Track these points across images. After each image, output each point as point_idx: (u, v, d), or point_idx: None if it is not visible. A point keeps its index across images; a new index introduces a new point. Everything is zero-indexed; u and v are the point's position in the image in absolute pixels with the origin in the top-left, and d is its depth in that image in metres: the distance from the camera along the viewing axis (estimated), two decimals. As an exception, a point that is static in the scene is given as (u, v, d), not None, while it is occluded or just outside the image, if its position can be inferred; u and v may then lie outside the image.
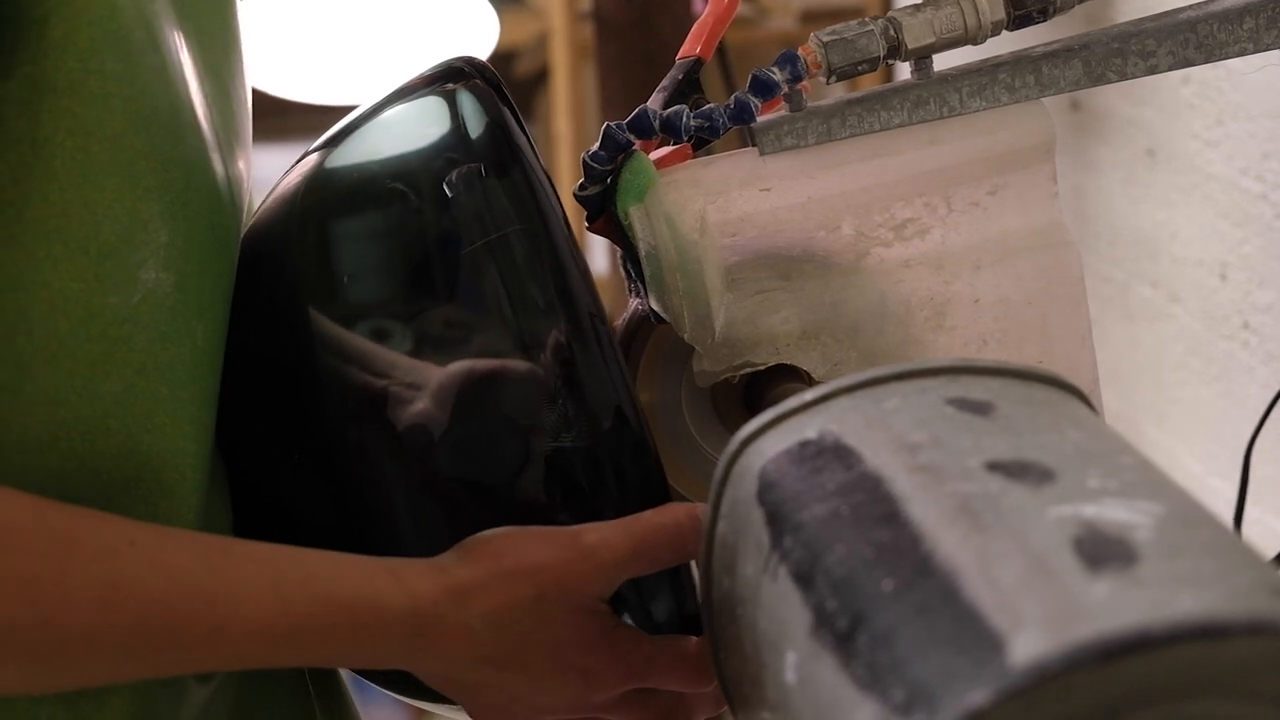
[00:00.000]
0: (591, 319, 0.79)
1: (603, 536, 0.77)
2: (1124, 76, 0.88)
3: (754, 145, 0.86)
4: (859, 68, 0.85)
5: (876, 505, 0.62)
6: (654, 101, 0.89)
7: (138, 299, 0.76)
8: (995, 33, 0.87)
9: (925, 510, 0.61)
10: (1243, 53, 0.87)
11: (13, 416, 0.75)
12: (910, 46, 0.85)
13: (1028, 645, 0.53)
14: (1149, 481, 0.62)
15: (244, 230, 0.84)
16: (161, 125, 0.76)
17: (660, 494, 0.81)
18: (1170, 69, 0.88)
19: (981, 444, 0.64)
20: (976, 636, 0.54)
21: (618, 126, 0.84)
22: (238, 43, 0.85)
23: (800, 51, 0.85)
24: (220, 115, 0.81)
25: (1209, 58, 0.87)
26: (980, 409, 0.67)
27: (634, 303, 0.90)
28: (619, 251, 0.88)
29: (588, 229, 0.88)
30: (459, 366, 0.79)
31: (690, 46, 0.92)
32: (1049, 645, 0.52)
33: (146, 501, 0.77)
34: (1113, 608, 0.53)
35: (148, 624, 0.72)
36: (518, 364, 0.79)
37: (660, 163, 0.86)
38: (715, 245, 0.84)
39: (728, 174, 0.85)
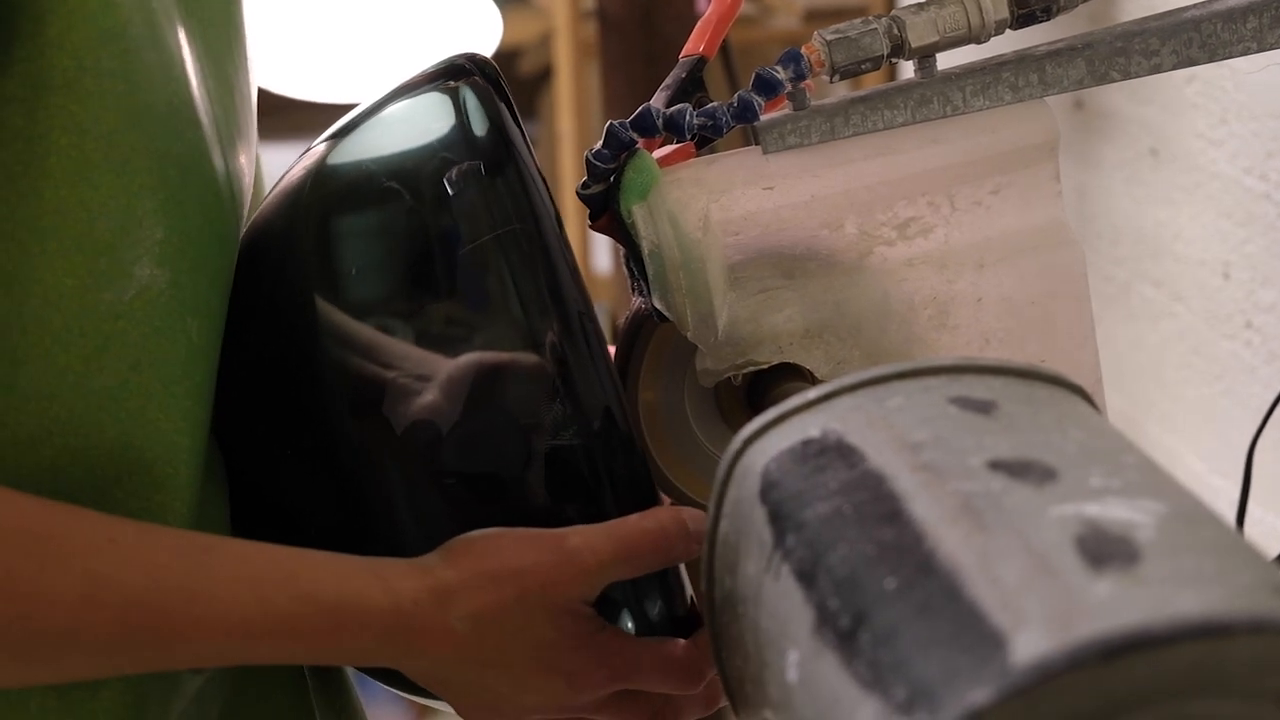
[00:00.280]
0: (581, 318, 0.80)
1: (586, 540, 0.78)
2: (1127, 76, 0.88)
3: (757, 144, 0.86)
4: (862, 66, 0.85)
5: (879, 504, 0.62)
6: (657, 100, 0.89)
7: (131, 295, 0.76)
8: (999, 32, 0.87)
9: (927, 509, 0.61)
10: (1246, 52, 0.87)
11: (6, 411, 0.75)
12: (914, 45, 0.85)
13: (1029, 644, 0.53)
14: (1151, 480, 0.62)
15: (247, 224, 0.84)
16: (158, 121, 0.76)
17: (648, 496, 0.81)
18: (1174, 68, 0.88)
19: (984, 443, 0.64)
20: (978, 635, 0.54)
21: (621, 125, 0.84)
22: (241, 37, 0.85)
23: (804, 50, 0.85)
24: (222, 110, 0.81)
25: (1212, 57, 0.87)
26: (983, 408, 0.67)
27: (637, 301, 0.90)
28: (622, 250, 0.88)
29: (591, 227, 0.88)
30: (469, 359, 0.80)
31: (694, 45, 0.92)
32: (1051, 644, 0.52)
33: (139, 496, 0.77)
34: (1115, 607, 0.53)
35: (127, 621, 0.72)
36: (526, 357, 0.79)
37: (663, 161, 0.86)
38: (718, 244, 0.84)
39: (731, 172, 0.85)
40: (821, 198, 0.86)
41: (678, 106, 0.85)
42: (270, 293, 0.83)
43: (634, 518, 0.79)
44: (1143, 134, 1.58)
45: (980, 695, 0.52)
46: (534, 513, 0.79)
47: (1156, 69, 0.88)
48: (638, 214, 0.85)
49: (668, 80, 0.90)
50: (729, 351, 0.86)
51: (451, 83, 0.83)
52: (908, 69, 0.89)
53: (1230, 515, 0.85)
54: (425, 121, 0.83)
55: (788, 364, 0.87)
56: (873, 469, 0.64)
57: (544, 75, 3.29)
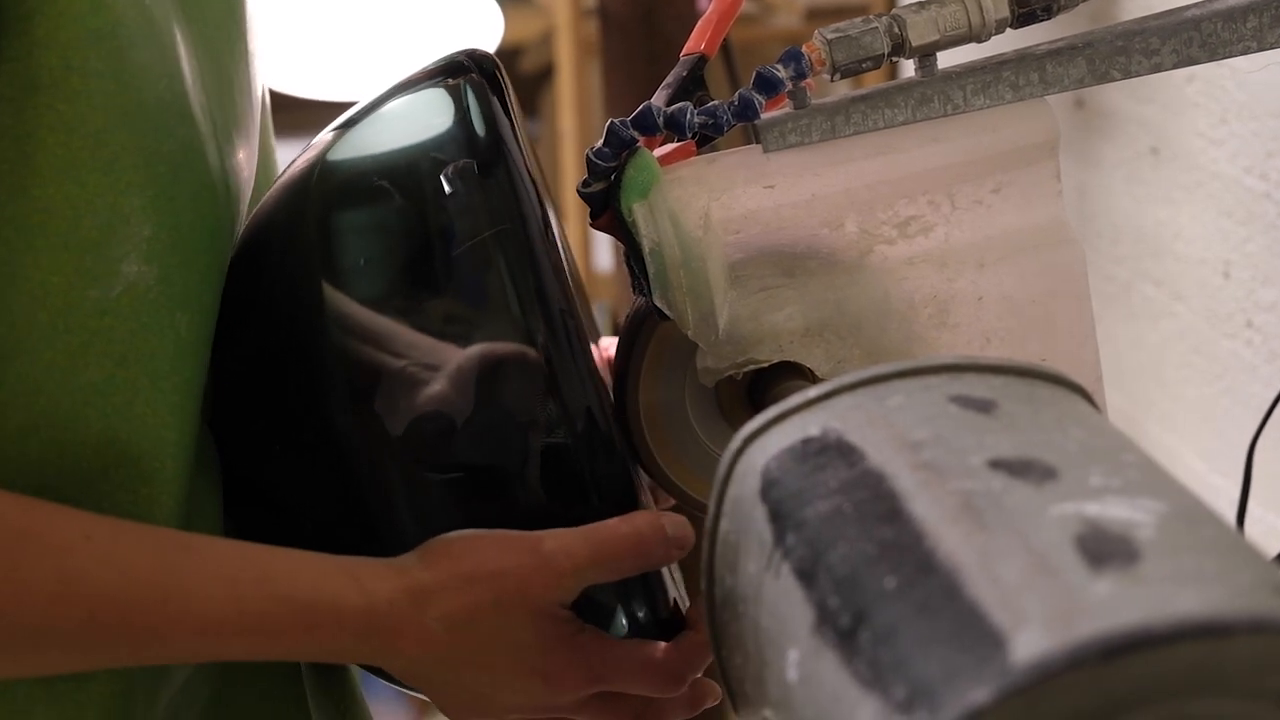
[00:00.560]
0: (563, 317, 0.80)
1: (562, 544, 0.78)
2: (1128, 75, 0.88)
3: (758, 142, 0.86)
4: (863, 65, 0.85)
5: (879, 503, 0.62)
6: (658, 98, 0.89)
7: (118, 291, 0.76)
8: (999, 30, 0.87)
9: (928, 508, 0.61)
10: (1247, 51, 0.87)
11: None
12: (914, 44, 0.85)
13: (1029, 643, 0.53)
14: (1151, 480, 0.62)
15: (249, 217, 0.85)
16: (149, 119, 0.76)
17: (629, 499, 0.81)
18: (1174, 67, 0.88)
19: (984, 442, 0.64)
20: (978, 634, 0.54)
21: (622, 123, 0.84)
22: (244, 32, 0.85)
23: (805, 49, 0.85)
24: (219, 106, 0.81)
25: (1213, 56, 0.87)
26: (983, 406, 0.67)
27: (637, 300, 0.90)
28: (623, 248, 0.88)
29: (592, 225, 0.88)
30: (476, 349, 0.80)
31: (695, 43, 0.92)
32: (1051, 643, 0.52)
33: (126, 489, 0.78)
34: (1115, 606, 0.53)
35: (99, 618, 0.73)
36: (526, 352, 0.79)
37: (664, 160, 0.86)
38: (719, 242, 0.84)
39: (732, 171, 0.85)
40: (822, 196, 0.86)
41: (679, 105, 0.85)
42: (271, 284, 0.83)
43: (612, 522, 0.79)
44: (1143, 133, 1.58)
45: (980, 694, 0.52)
46: (529, 510, 0.80)
47: (1157, 68, 0.88)
48: (638, 212, 0.85)
49: (669, 79, 0.90)
50: (729, 350, 0.86)
51: (449, 80, 0.83)
52: (908, 68, 0.89)
53: (1230, 514, 0.85)
54: (419, 119, 0.83)
55: (788, 362, 0.87)
56: (873, 468, 0.64)
57: (545, 73, 3.28)
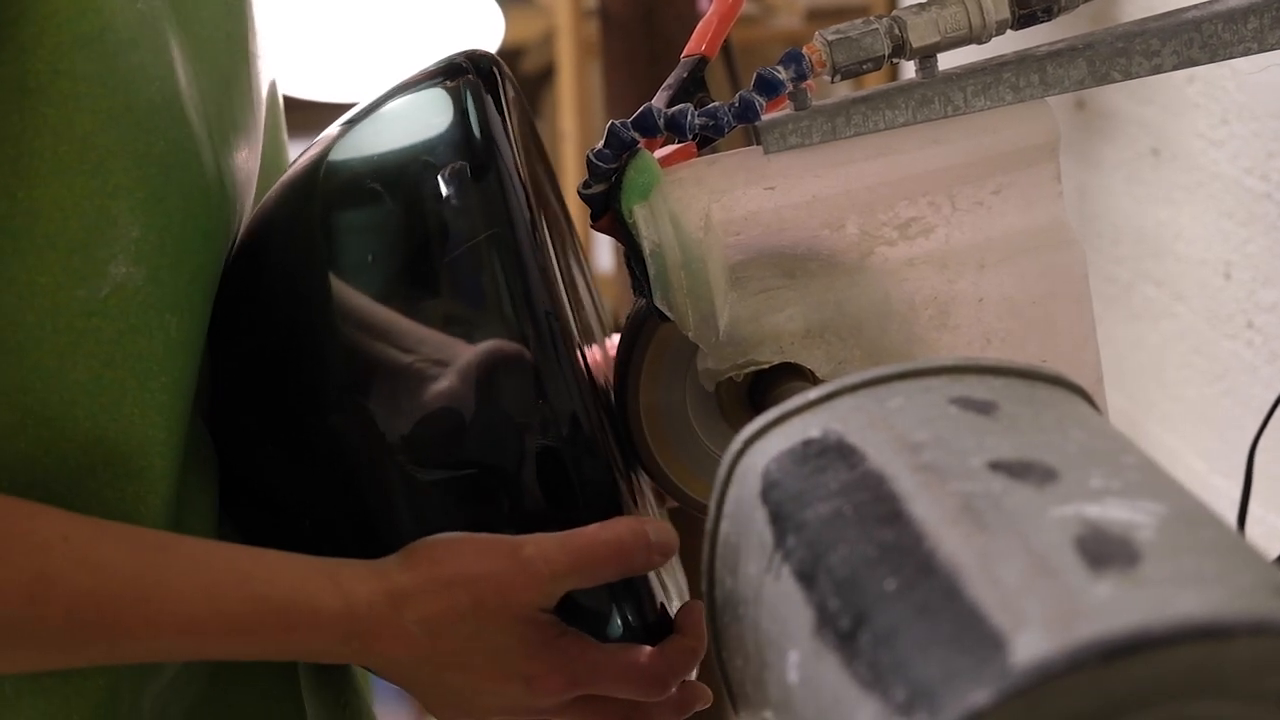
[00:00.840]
0: (549, 320, 0.80)
1: (541, 549, 0.78)
2: (1128, 76, 0.88)
3: (759, 144, 0.86)
4: (864, 66, 0.85)
5: (879, 504, 0.62)
6: (659, 99, 0.89)
7: (106, 292, 0.76)
8: (1000, 32, 0.87)
9: (928, 509, 0.61)
10: (1247, 52, 0.87)
11: None
12: (915, 45, 0.85)
13: (1030, 645, 0.53)
14: (1152, 481, 0.62)
15: (249, 216, 0.85)
16: (139, 122, 0.76)
17: (610, 504, 0.81)
18: (1175, 69, 0.88)
19: (984, 443, 0.64)
20: (978, 636, 0.54)
21: (622, 124, 0.84)
22: (245, 33, 0.85)
23: (805, 50, 0.85)
24: (216, 107, 0.81)
25: (1213, 57, 0.87)
26: (983, 408, 0.67)
27: (638, 301, 0.90)
28: (623, 250, 0.88)
29: (592, 227, 0.88)
30: (485, 346, 0.80)
31: (695, 44, 0.92)
32: (1051, 645, 0.52)
33: (113, 487, 0.78)
34: (1115, 608, 0.53)
35: (75, 618, 0.73)
36: (523, 353, 0.79)
37: (665, 161, 0.86)
38: (720, 243, 0.84)
39: (732, 172, 0.85)
40: (823, 198, 0.86)
41: (679, 106, 0.85)
42: (273, 282, 0.83)
43: (592, 528, 0.79)
44: (1144, 134, 1.58)
45: (980, 696, 0.52)
46: (524, 512, 0.80)
47: (1157, 69, 0.88)
48: (639, 214, 0.85)
49: (669, 80, 0.90)
50: (730, 351, 0.86)
51: (447, 82, 0.83)
52: (909, 69, 0.89)
53: (1231, 516, 0.85)
54: (414, 121, 0.83)
55: (789, 364, 0.87)
56: (873, 469, 0.64)
57: (546, 74, 3.29)
